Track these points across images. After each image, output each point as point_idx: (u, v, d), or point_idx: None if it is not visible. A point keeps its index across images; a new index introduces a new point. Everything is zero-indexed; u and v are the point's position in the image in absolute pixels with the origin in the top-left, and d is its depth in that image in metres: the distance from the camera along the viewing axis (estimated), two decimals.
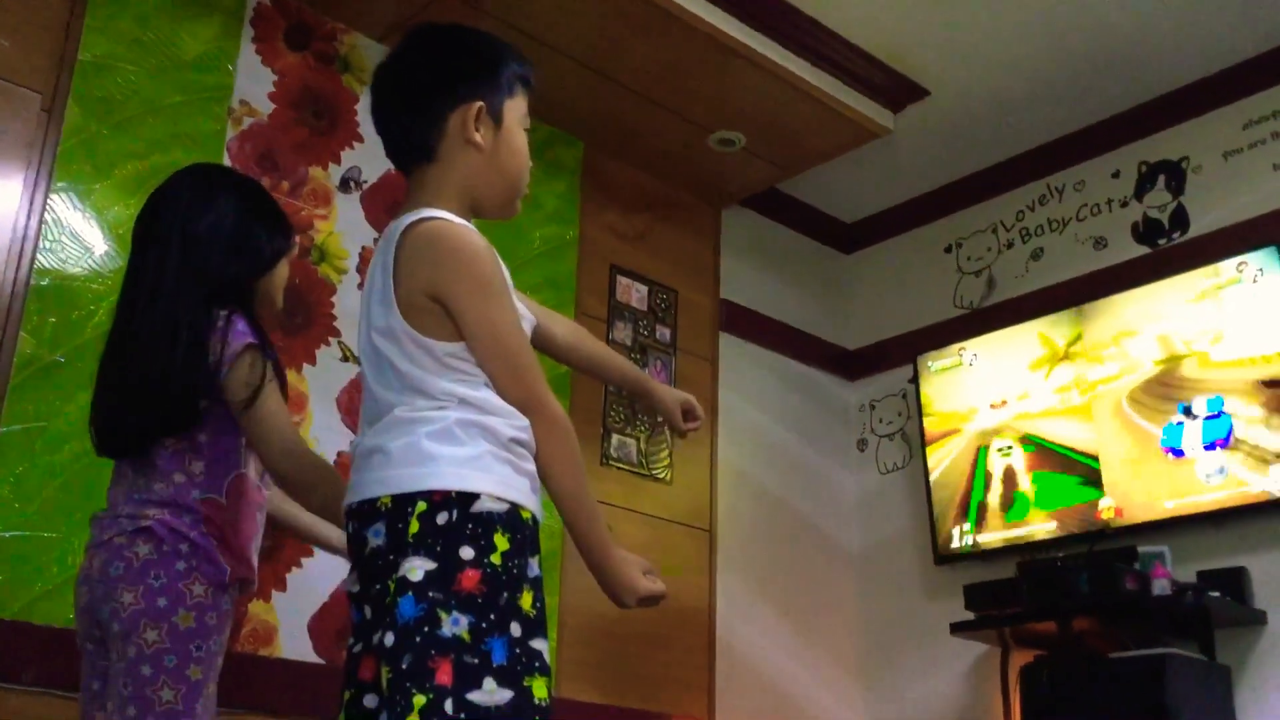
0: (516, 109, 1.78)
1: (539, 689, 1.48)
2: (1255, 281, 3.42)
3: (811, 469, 4.36)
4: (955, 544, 3.96)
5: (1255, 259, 3.43)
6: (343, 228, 3.28)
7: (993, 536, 3.86)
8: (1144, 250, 3.86)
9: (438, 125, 1.70)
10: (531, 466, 1.60)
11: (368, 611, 1.53)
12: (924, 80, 3.83)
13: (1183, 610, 3.23)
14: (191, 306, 1.94)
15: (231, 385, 1.92)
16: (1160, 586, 3.20)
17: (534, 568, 1.56)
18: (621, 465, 3.77)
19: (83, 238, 2.81)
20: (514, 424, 1.58)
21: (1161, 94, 3.87)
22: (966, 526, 3.94)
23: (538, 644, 1.51)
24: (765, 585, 4.07)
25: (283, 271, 2.15)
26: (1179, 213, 3.80)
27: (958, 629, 3.62)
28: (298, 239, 2.47)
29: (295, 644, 2.93)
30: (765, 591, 4.07)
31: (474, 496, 1.50)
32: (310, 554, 2.98)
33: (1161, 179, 3.87)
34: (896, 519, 4.30)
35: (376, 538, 1.51)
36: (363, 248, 3.30)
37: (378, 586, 1.51)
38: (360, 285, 3.26)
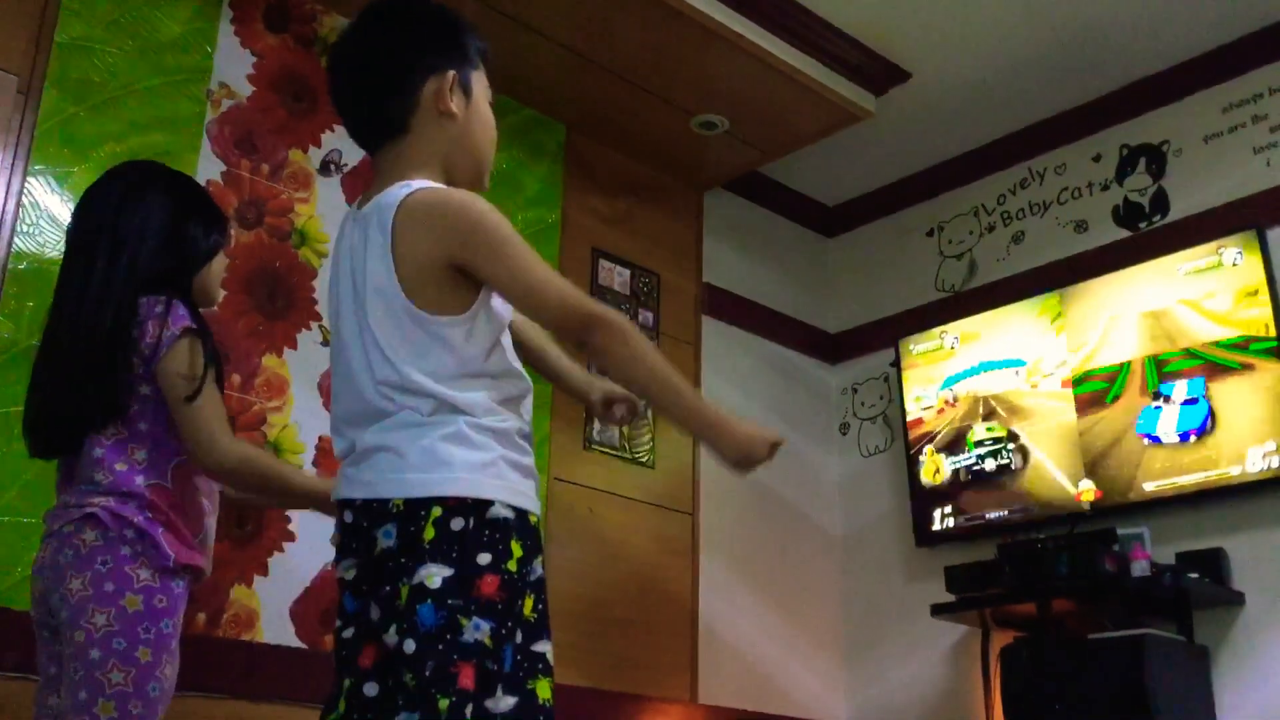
0: (481, 81, 1.75)
1: (542, 690, 1.50)
2: (1235, 265, 3.44)
3: (794, 452, 4.37)
4: (936, 526, 3.98)
5: (1234, 242, 3.45)
6: (323, 211, 3.26)
7: (973, 518, 3.88)
8: (1124, 234, 3.87)
9: (411, 96, 1.66)
10: (531, 461, 1.60)
11: (373, 610, 1.52)
12: (906, 63, 3.83)
13: (1161, 591, 3.25)
14: (118, 300, 1.95)
15: (169, 371, 1.93)
16: (1139, 568, 3.22)
17: (537, 569, 1.56)
18: (604, 449, 3.77)
19: (61, 221, 2.79)
20: (505, 421, 1.59)
21: (1142, 77, 3.88)
22: (948, 509, 3.96)
23: (539, 647, 1.52)
24: (748, 568, 4.09)
25: (218, 267, 2.16)
26: (1159, 196, 3.82)
27: (938, 611, 3.64)
28: (233, 233, 2.47)
29: (277, 628, 2.92)
30: (748, 574, 4.08)
31: (488, 503, 1.51)
32: (292, 538, 2.98)
33: (1142, 162, 3.88)
34: (878, 502, 4.31)
35: (388, 539, 1.51)
36: None
37: (387, 588, 1.50)
38: None
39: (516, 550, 1.51)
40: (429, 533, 1.48)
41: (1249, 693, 3.28)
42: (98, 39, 2.94)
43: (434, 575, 1.46)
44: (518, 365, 1.66)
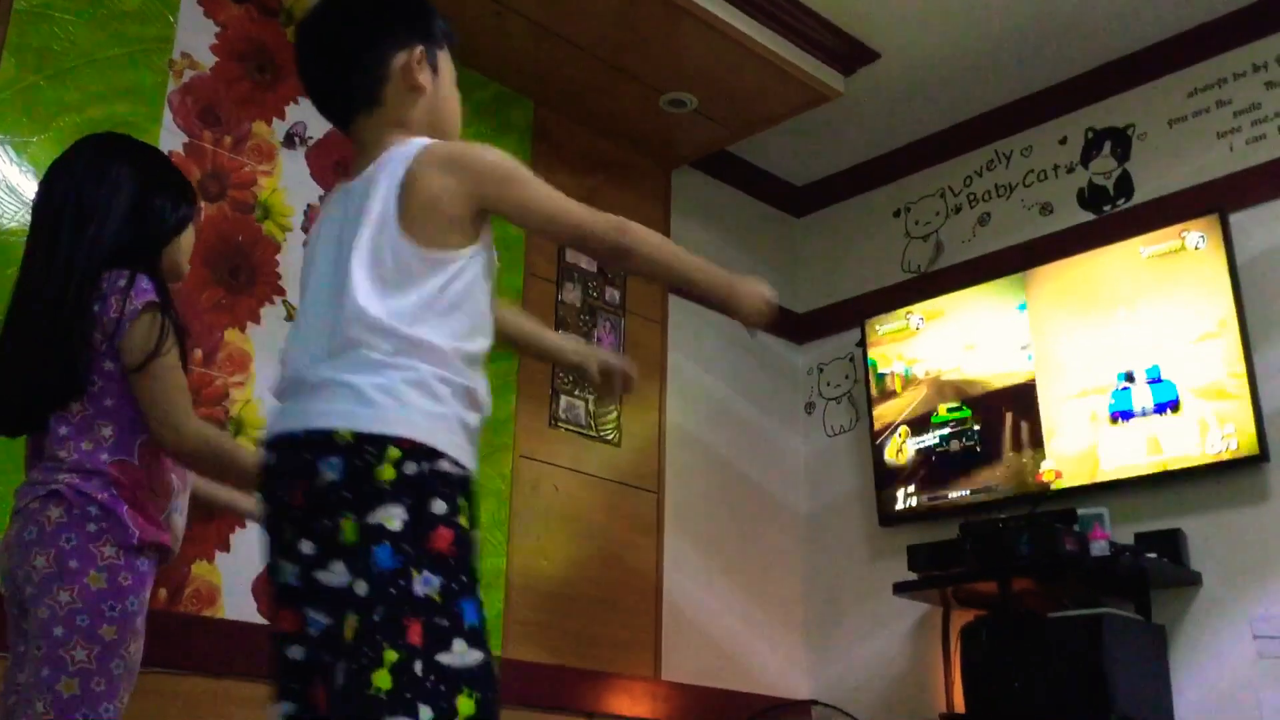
0: (448, 61, 1.78)
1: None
2: (1197, 249, 3.47)
3: (759, 431, 4.39)
4: (900, 505, 4.01)
5: (1198, 226, 3.48)
6: (287, 184, 3.23)
7: (936, 498, 3.91)
8: (1089, 216, 3.90)
9: (381, 69, 1.69)
10: (477, 425, 1.58)
11: (304, 545, 1.47)
12: (875, 43, 3.83)
13: (1120, 571, 3.28)
14: (81, 276, 1.93)
15: (127, 345, 1.92)
16: (1098, 548, 3.25)
17: (478, 534, 1.54)
18: (570, 427, 3.77)
19: (20, 192, 2.75)
20: (465, 378, 1.57)
21: (1108, 61, 3.90)
22: (911, 489, 3.98)
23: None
24: (712, 546, 4.10)
25: (188, 240, 2.14)
26: (1124, 179, 3.84)
27: (900, 589, 3.67)
28: (202, 205, 2.44)
29: (239, 605, 2.91)
30: (712, 552, 4.09)
31: (439, 455, 1.48)
32: (254, 514, 2.96)
33: (1107, 145, 3.90)
34: (843, 481, 4.33)
35: (332, 471, 1.46)
36: (308, 205, 3.25)
37: (326, 521, 1.45)
38: (306, 242, 3.23)
39: (464, 507, 1.49)
40: (388, 472, 1.44)
41: (1205, 671, 3.32)
42: (58, 7, 2.89)
43: (394, 517, 1.42)
44: (490, 322, 1.66)
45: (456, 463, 1.50)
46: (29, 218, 2.70)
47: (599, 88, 3.83)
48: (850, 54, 3.85)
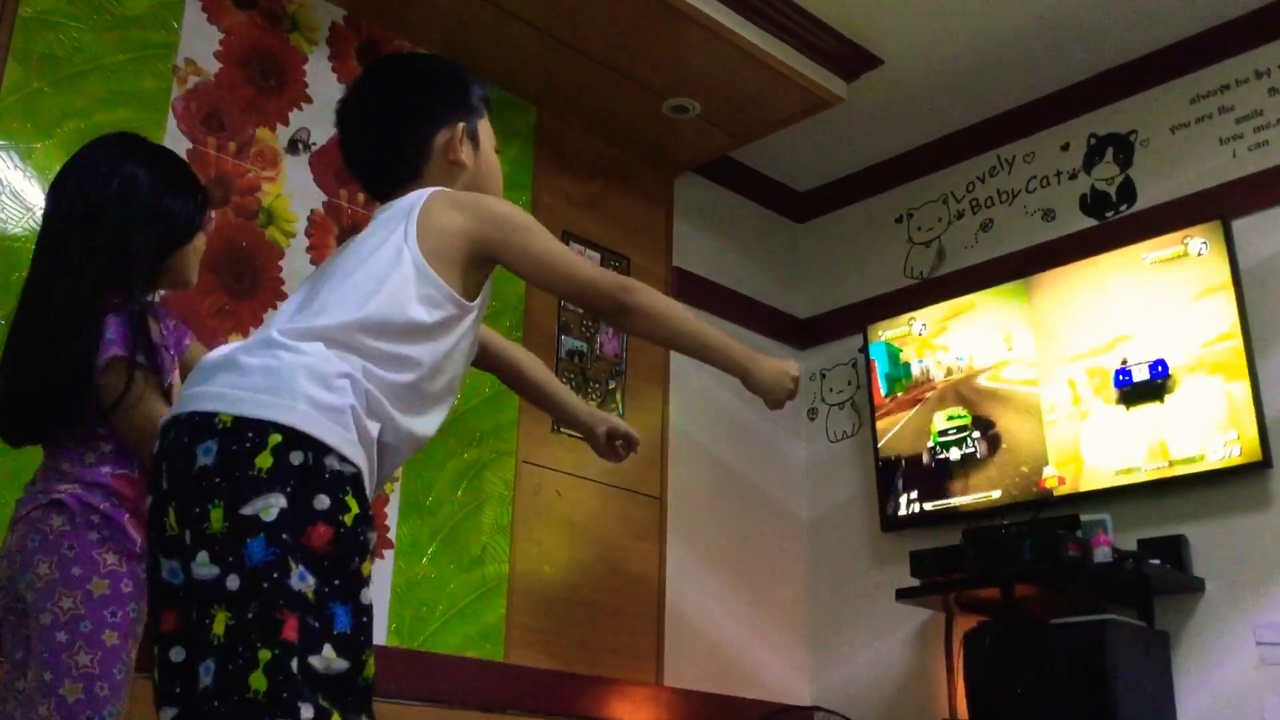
0: (487, 128, 1.83)
1: (370, 665, 1.41)
2: (1200, 255, 3.47)
3: (762, 437, 4.39)
4: (902, 511, 4.00)
5: (1200, 232, 3.48)
6: (291, 190, 3.23)
7: (939, 504, 3.90)
8: (1091, 222, 3.90)
9: (424, 148, 1.73)
10: (373, 433, 1.50)
11: (187, 536, 1.40)
12: (878, 49, 3.84)
13: (1123, 577, 3.28)
14: (87, 291, 1.91)
15: (101, 392, 1.90)
16: (1101, 554, 3.25)
17: (372, 538, 1.48)
18: (571, 432, 3.76)
19: (24, 197, 2.76)
20: (380, 389, 1.53)
21: (1111, 67, 3.90)
22: (914, 494, 3.98)
23: (371, 615, 1.44)
24: (715, 552, 4.10)
25: (199, 246, 2.11)
26: (1126, 185, 3.84)
27: (903, 595, 3.67)
28: (213, 214, 2.44)
29: None
30: (715, 558, 4.09)
31: (326, 449, 1.42)
32: None
33: (1110, 152, 3.90)
34: (845, 487, 4.33)
35: (206, 456, 1.40)
36: (311, 211, 3.26)
37: (196, 509, 1.39)
38: (309, 248, 3.23)
39: (353, 505, 1.42)
40: (266, 460, 1.38)
41: (1207, 678, 3.32)
42: (62, 13, 2.90)
43: (270, 507, 1.36)
44: (453, 381, 1.64)
45: (345, 459, 1.43)
46: (33, 223, 2.72)
47: (602, 93, 3.84)
48: (853, 60, 3.85)
